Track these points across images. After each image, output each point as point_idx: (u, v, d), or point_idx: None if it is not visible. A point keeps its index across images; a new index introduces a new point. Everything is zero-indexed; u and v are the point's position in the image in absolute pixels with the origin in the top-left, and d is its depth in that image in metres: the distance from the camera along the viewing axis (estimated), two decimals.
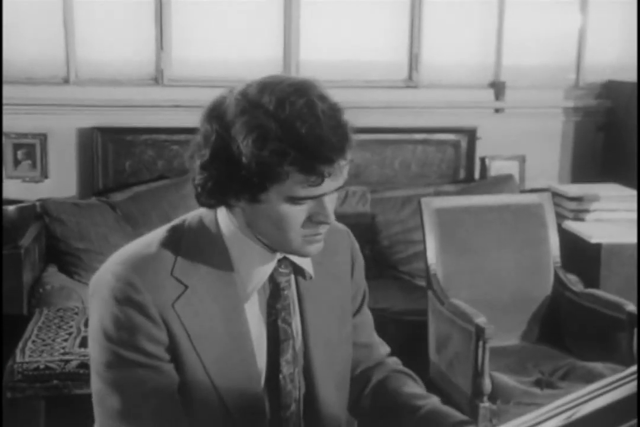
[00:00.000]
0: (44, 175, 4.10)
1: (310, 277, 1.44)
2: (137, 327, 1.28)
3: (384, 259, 3.99)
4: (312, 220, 1.29)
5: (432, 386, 3.17)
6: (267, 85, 1.25)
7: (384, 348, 1.65)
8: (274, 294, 1.40)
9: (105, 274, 1.33)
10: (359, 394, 1.55)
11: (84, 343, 2.85)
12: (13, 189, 4.00)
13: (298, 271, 1.43)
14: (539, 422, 0.87)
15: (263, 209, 1.28)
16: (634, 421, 0.87)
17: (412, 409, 1.44)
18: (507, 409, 2.81)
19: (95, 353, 1.32)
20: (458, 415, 1.41)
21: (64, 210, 3.77)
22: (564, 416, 0.87)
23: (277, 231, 1.30)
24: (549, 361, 3.10)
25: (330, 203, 1.30)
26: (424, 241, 3.27)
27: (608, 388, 0.88)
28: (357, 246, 1.57)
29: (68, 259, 3.71)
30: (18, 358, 2.75)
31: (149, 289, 1.29)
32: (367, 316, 1.62)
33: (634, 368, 0.90)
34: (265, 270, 1.37)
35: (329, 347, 1.47)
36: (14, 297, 3.34)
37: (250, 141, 1.21)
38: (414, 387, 1.52)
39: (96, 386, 1.33)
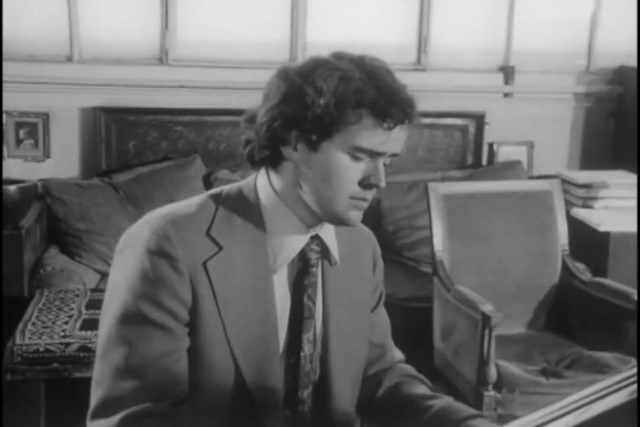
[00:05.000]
0: (46, 155, 4.05)
1: (336, 263, 1.43)
2: (163, 280, 1.27)
3: (388, 244, 3.94)
4: (363, 183, 1.30)
5: (436, 374, 3.14)
6: (346, 53, 1.33)
7: (398, 353, 1.63)
8: (303, 270, 1.39)
9: (141, 227, 1.32)
10: (370, 397, 1.52)
11: (84, 326, 2.82)
12: (15, 168, 3.96)
13: (324, 255, 1.42)
14: None
15: (320, 160, 1.29)
16: None
17: (423, 409, 1.42)
18: (512, 398, 2.78)
19: (112, 306, 1.30)
20: (469, 410, 1.40)
21: (66, 191, 3.73)
22: (559, 422, 0.82)
23: (328, 186, 1.30)
24: (555, 350, 3.07)
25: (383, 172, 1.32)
26: (430, 227, 3.23)
27: (605, 392, 0.83)
28: (379, 250, 1.58)
29: (69, 240, 3.67)
30: (18, 340, 2.72)
31: (182, 245, 1.28)
32: (383, 317, 1.60)
33: (634, 370, 0.86)
34: (297, 244, 1.36)
35: (347, 339, 1.45)
36: (14, 278, 3.31)
37: (335, 78, 1.26)
38: (426, 389, 1.51)
39: (103, 340, 1.31)
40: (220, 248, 1.31)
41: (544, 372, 2.86)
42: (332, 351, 1.43)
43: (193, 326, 1.31)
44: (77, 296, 3.14)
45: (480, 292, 2.96)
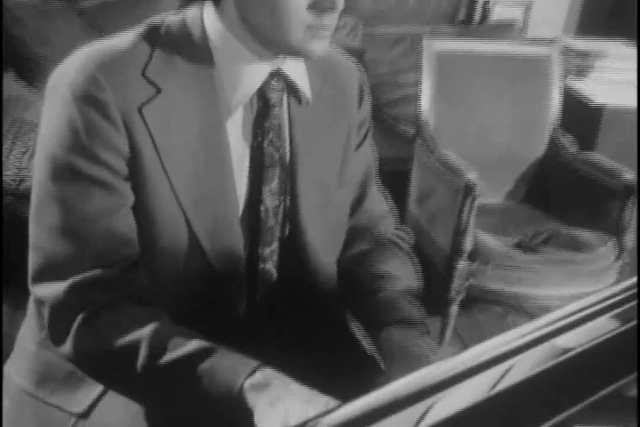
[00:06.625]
0: None
1: (307, 102, 1.26)
2: (95, 130, 1.12)
3: None
4: (316, 7, 1.10)
5: None
6: None
7: (381, 206, 1.47)
8: (263, 111, 1.21)
9: (67, 66, 1.15)
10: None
11: None
12: None
13: (292, 92, 1.25)
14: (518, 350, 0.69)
15: None
16: (634, 375, 0.69)
17: (367, 293, 1.31)
18: (484, 270, 2.70)
19: (41, 159, 1.15)
20: (403, 313, 1.27)
21: (26, 11, 3.40)
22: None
23: (275, 18, 1.11)
24: (532, 224, 2.97)
25: None
26: (419, 85, 3.03)
27: (601, 306, 0.70)
28: (366, 80, 1.40)
29: (28, 64, 3.39)
30: None
31: (113, 88, 1.12)
32: (366, 154, 1.42)
33: (634, 279, 0.73)
34: (254, 81, 1.19)
35: (320, 186, 1.30)
36: None
37: None
38: (390, 264, 1.36)
39: (35, 198, 1.16)
40: (159, 90, 1.15)
41: (519, 246, 2.78)
42: (302, 202, 1.28)
43: (134, 181, 1.14)
44: (35, 128, 2.92)
45: (462, 157, 2.80)
